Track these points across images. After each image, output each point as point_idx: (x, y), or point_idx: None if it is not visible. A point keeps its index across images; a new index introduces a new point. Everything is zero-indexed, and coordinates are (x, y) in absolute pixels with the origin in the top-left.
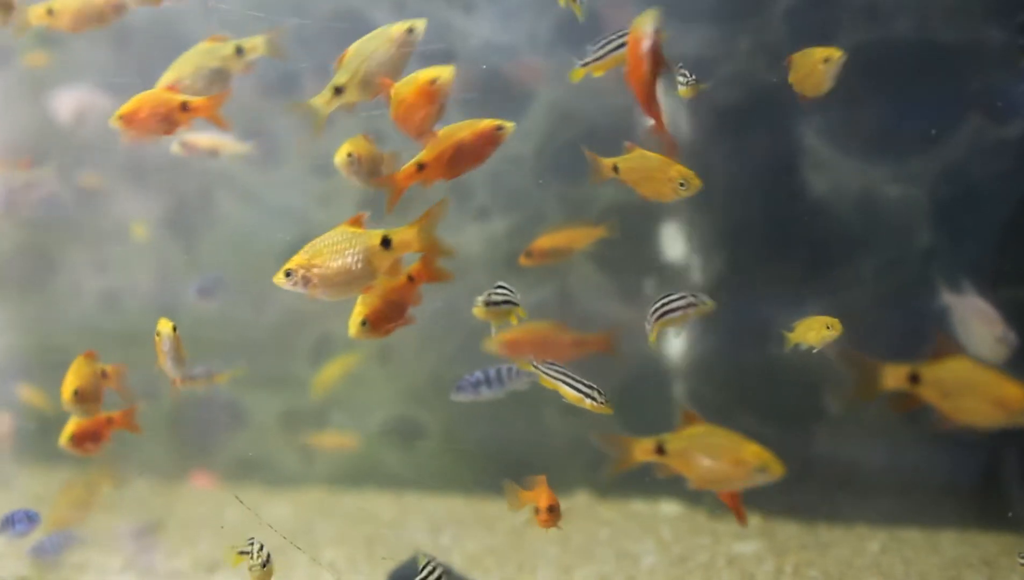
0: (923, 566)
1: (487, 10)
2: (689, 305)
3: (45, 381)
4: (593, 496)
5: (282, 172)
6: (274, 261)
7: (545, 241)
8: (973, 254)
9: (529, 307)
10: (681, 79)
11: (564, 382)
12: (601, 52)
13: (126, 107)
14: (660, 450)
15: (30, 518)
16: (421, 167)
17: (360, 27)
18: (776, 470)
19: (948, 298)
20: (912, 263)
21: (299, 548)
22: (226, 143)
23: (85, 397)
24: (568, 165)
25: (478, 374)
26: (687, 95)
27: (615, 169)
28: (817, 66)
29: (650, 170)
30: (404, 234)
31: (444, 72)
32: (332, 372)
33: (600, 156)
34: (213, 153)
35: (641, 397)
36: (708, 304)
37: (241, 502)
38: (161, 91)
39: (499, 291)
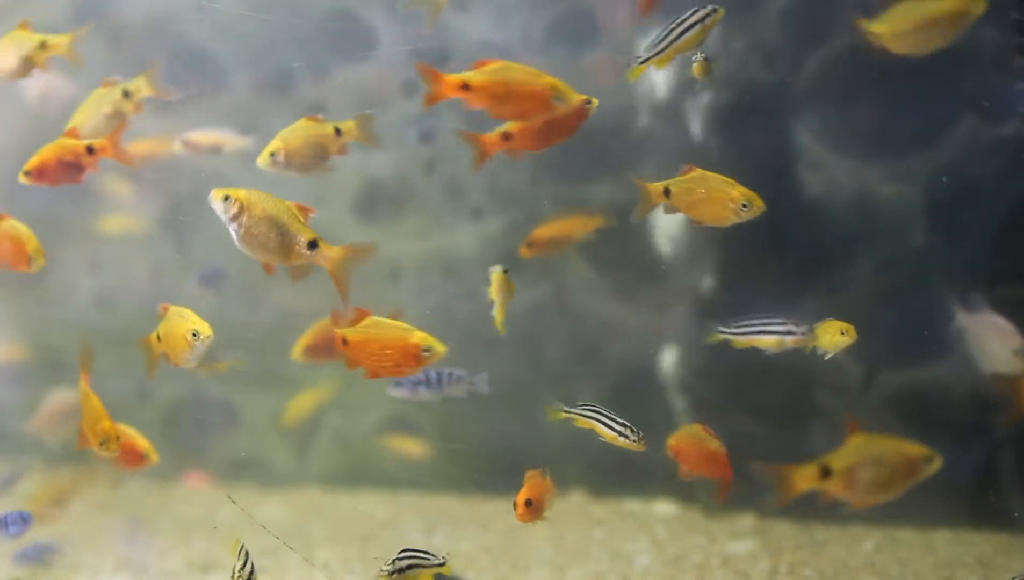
0: (917, 566)
1: (481, 9)
2: (788, 332)
3: (39, 380)
4: (588, 495)
5: (275, 171)
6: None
7: (544, 231)
8: (968, 254)
9: (526, 306)
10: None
11: (599, 421)
12: (662, 45)
13: (33, 161)
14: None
15: (24, 519)
16: (507, 137)
17: (354, 27)
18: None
19: (962, 318)
20: (907, 262)
21: (292, 549)
22: (227, 139)
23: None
24: (562, 165)
25: (419, 374)
26: (699, 74)
27: (666, 193)
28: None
29: (709, 191)
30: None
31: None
32: (303, 404)
33: (646, 180)
34: (216, 150)
35: (637, 397)
36: (807, 337)
37: (234, 502)
38: (64, 140)
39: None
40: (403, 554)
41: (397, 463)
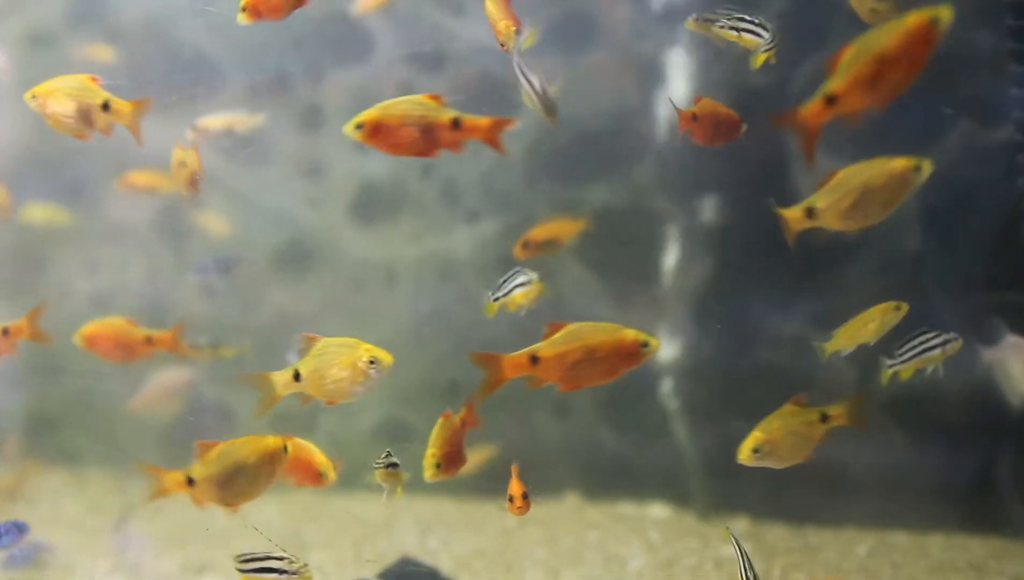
0: (911, 570)
1: (477, 12)
2: (946, 342)
3: (33, 382)
4: (582, 498)
5: (272, 174)
6: (264, 263)
7: (540, 232)
8: (962, 259)
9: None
10: (763, 37)
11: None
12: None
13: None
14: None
15: (19, 528)
16: (831, 100)
17: (350, 31)
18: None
19: (987, 354)
20: (901, 267)
21: (285, 552)
22: (238, 119)
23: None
24: (558, 167)
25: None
26: (759, 63)
27: (809, 214)
28: None
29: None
30: None
31: None
32: None
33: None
34: (229, 131)
35: (631, 399)
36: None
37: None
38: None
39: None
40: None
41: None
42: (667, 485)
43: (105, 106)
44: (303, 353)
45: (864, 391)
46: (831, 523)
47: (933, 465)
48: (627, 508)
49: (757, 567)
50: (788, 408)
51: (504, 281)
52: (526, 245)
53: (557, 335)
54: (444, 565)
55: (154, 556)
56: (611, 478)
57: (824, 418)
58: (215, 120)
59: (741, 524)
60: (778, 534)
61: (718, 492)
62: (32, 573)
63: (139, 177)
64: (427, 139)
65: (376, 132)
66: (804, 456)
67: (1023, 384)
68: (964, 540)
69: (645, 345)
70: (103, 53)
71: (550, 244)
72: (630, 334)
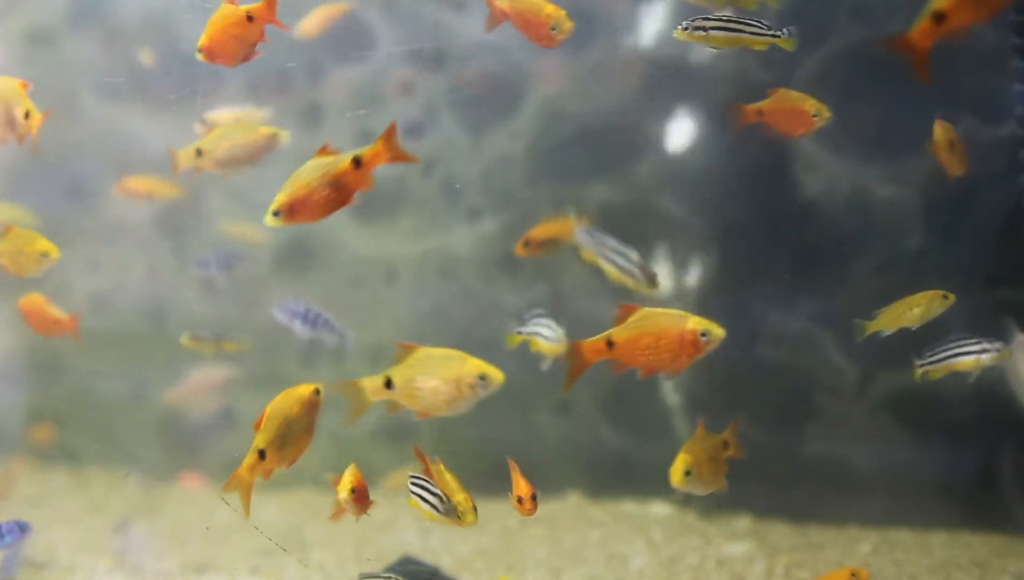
0: (914, 568)
1: (477, 9)
2: (984, 351)
3: (34, 382)
4: (584, 497)
5: (272, 171)
6: (265, 261)
7: (541, 230)
8: (965, 255)
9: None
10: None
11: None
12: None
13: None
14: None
15: (21, 528)
16: (939, 17)
17: (351, 27)
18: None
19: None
20: (904, 264)
21: (286, 551)
22: (245, 112)
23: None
24: (559, 165)
25: (300, 307)
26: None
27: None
28: None
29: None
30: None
31: None
32: None
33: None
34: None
35: (631, 399)
36: (1003, 353)
37: (228, 503)
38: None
39: None
40: None
41: (392, 465)
42: (669, 483)
43: (27, 115)
44: (396, 361)
45: (736, 420)
46: (834, 521)
47: (936, 463)
48: (629, 506)
49: (759, 566)
50: (700, 433)
51: (531, 317)
52: (527, 244)
53: (631, 318)
54: (445, 564)
55: (154, 555)
56: (613, 477)
57: (726, 445)
58: (224, 114)
59: (743, 522)
60: (781, 532)
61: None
62: (32, 574)
63: (138, 183)
64: (340, 191)
65: (294, 210)
66: (722, 482)
67: None
68: (967, 538)
69: (704, 334)
70: (145, 58)
71: (551, 243)
72: (691, 322)
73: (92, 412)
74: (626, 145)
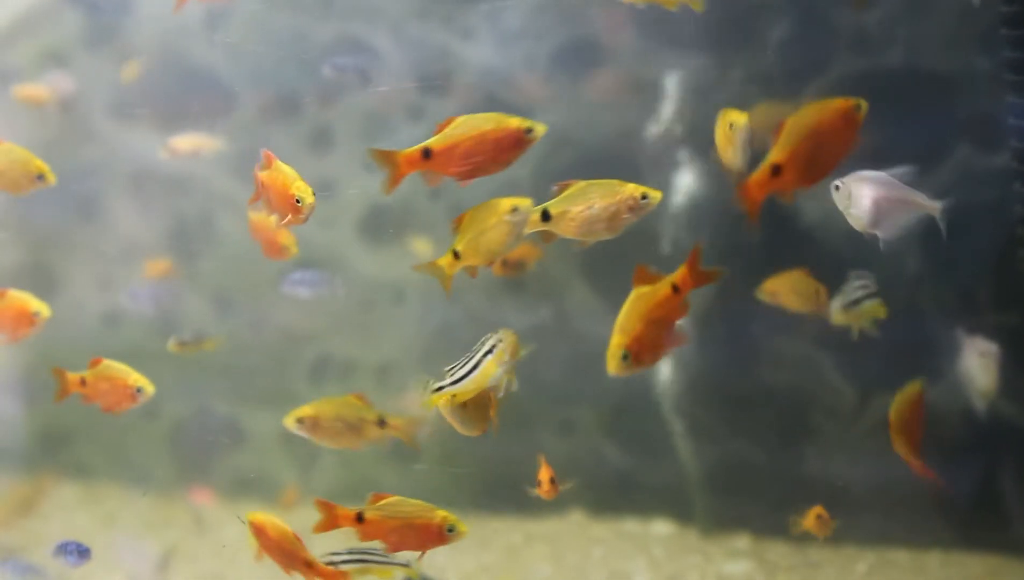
0: None
1: (485, 35)
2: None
3: (45, 398)
4: (586, 514)
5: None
6: (273, 282)
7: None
8: (962, 281)
9: (526, 329)
10: None
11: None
12: None
13: None
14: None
15: (80, 552)
16: (776, 169)
17: (360, 52)
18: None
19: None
20: (902, 287)
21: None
22: (203, 141)
23: None
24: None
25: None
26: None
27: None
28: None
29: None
30: None
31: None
32: None
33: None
34: (196, 153)
35: (633, 419)
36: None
37: (242, 521)
38: None
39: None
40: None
41: (398, 482)
42: (670, 502)
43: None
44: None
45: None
46: (831, 540)
47: (932, 482)
48: (631, 525)
49: None
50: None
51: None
52: (504, 264)
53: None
54: None
55: (164, 570)
56: (615, 495)
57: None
58: (183, 141)
59: (743, 541)
60: (779, 551)
61: (720, 509)
62: None
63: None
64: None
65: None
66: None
67: (983, 381)
68: (962, 557)
69: (529, 131)
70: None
71: (520, 264)
72: (514, 121)
73: (103, 427)
74: (629, 170)
